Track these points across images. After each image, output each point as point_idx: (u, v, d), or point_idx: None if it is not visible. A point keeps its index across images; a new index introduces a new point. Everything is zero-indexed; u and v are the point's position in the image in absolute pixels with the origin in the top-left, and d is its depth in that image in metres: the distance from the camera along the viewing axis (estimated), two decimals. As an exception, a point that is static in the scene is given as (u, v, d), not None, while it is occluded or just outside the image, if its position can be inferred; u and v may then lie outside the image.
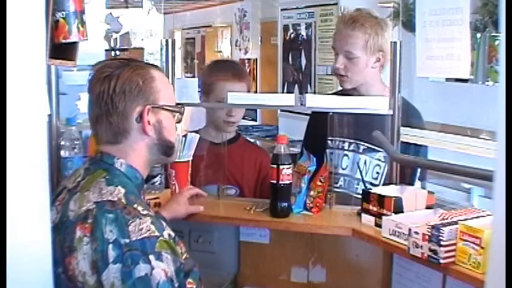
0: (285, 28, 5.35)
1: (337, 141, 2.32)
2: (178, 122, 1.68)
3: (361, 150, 2.27)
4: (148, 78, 1.58)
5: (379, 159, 2.23)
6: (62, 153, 2.11)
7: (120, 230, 1.40)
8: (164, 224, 1.49)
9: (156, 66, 1.68)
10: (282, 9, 5.37)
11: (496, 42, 3.01)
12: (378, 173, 2.23)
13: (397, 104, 1.99)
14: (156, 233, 1.42)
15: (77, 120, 2.19)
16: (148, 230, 1.41)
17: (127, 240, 1.39)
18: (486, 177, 1.50)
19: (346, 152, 2.30)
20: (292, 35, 5.27)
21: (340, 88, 2.43)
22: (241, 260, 2.17)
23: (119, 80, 1.55)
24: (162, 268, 1.40)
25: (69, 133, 2.12)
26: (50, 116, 2.03)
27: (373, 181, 2.23)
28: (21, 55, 1.04)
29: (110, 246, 1.39)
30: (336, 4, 4.59)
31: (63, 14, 1.74)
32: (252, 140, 3.81)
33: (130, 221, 1.41)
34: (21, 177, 1.04)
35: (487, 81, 3.10)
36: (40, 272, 1.11)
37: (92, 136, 2.20)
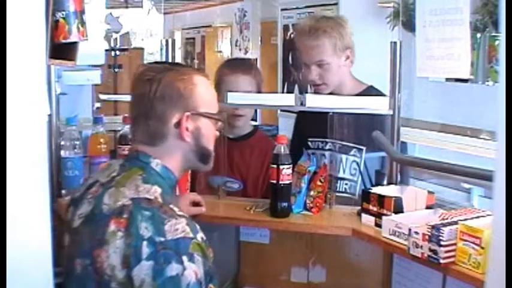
0: (285, 28, 5.34)
1: (315, 142, 2.35)
2: (219, 130, 1.69)
3: (337, 149, 2.30)
4: (190, 85, 1.58)
5: (354, 155, 2.26)
6: (62, 153, 2.11)
7: (156, 228, 1.40)
8: (198, 227, 1.48)
9: (201, 72, 1.68)
10: (282, 9, 5.36)
11: (496, 42, 3.01)
12: (355, 169, 2.26)
13: (397, 104, 1.99)
14: (191, 235, 1.42)
15: (77, 120, 2.19)
16: (184, 231, 1.41)
17: (162, 239, 1.39)
18: (486, 177, 1.50)
19: (324, 152, 2.33)
20: (292, 35, 5.26)
21: None
22: (241, 260, 2.17)
23: (160, 85, 1.55)
24: (193, 270, 1.39)
25: (69, 133, 2.12)
26: (50, 116, 2.04)
27: (351, 177, 2.26)
28: (21, 55, 1.04)
29: (145, 243, 1.39)
30: (336, 4, 4.59)
31: (63, 14, 1.75)
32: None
33: (166, 220, 1.42)
34: (21, 177, 1.04)
35: (487, 81, 3.10)
36: (40, 272, 1.11)
37: (92, 136, 2.21)
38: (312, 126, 2.31)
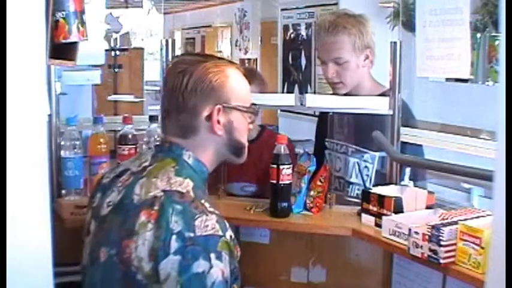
0: (285, 28, 5.35)
1: (332, 143, 2.32)
2: (252, 122, 1.66)
3: (350, 153, 2.26)
4: (222, 78, 1.56)
5: (366, 161, 2.22)
6: (62, 153, 2.11)
7: (186, 223, 1.39)
8: (227, 224, 1.47)
9: (233, 64, 1.66)
10: (282, 9, 5.37)
11: (496, 42, 3.01)
12: (367, 175, 2.21)
13: (397, 103, 1.99)
14: (220, 233, 1.41)
15: (77, 120, 2.19)
16: (213, 228, 1.40)
17: (191, 234, 1.38)
18: (486, 177, 1.51)
19: (338, 155, 2.30)
20: (292, 35, 5.27)
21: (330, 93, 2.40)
22: (241, 260, 2.16)
23: (192, 77, 1.53)
24: (220, 268, 1.39)
25: (69, 133, 2.12)
26: (50, 116, 2.03)
27: (362, 182, 2.22)
28: (21, 55, 1.04)
29: (174, 237, 1.38)
30: (336, 4, 4.59)
31: (63, 14, 1.74)
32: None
33: (197, 216, 1.40)
34: (21, 177, 1.04)
35: (487, 81, 3.10)
36: (40, 272, 1.11)
37: (92, 136, 2.21)
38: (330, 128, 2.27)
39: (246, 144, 1.65)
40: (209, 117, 1.54)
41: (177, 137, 1.57)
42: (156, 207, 1.42)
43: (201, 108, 1.54)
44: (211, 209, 1.45)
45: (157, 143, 1.66)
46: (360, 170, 2.19)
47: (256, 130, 2.53)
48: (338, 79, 2.25)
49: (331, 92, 2.37)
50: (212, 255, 1.38)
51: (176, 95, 1.54)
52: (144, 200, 1.45)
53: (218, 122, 1.55)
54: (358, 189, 2.22)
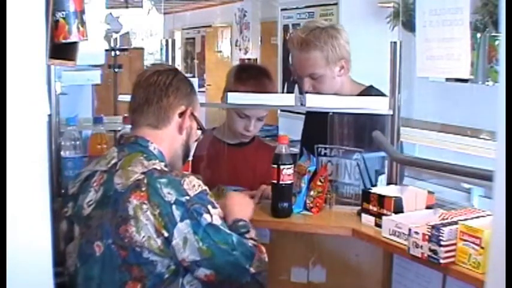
0: (285, 28, 5.35)
1: (320, 148, 2.32)
2: (196, 140, 1.82)
3: (340, 154, 2.26)
4: (194, 91, 1.79)
5: (356, 159, 2.21)
6: (62, 153, 2.11)
7: (177, 190, 1.54)
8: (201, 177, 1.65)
9: None
10: (282, 9, 5.37)
11: (496, 42, 3.01)
12: (358, 174, 2.21)
13: (397, 103, 1.99)
14: (204, 187, 1.60)
15: (77, 120, 2.19)
16: (199, 185, 1.59)
17: (187, 197, 1.54)
18: (486, 177, 1.50)
19: (329, 158, 2.30)
20: (292, 35, 5.27)
21: None
22: (241, 260, 2.16)
23: (176, 77, 1.73)
24: (217, 214, 1.60)
25: (69, 133, 2.12)
26: (50, 116, 2.03)
27: (355, 182, 2.22)
28: (21, 55, 1.04)
29: (174, 206, 1.51)
30: (336, 4, 4.59)
31: (63, 14, 1.74)
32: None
33: (182, 181, 1.56)
34: (21, 177, 1.04)
35: (487, 81, 3.10)
36: (40, 272, 1.11)
37: (92, 136, 2.21)
38: (319, 129, 2.27)
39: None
40: (181, 115, 1.71)
41: (149, 128, 1.69)
42: (143, 188, 1.53)
43: (178, 104, 1.71)
44: (186, 172, 1.67)
45: (120, 142, 1.75)
46: (350, 170, 2.19)
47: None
48: (315, 91, 2.25)
49: None
50: (209, 207, 1.58)
51: (160, 87, 1.69)
52: (128, 185, 1.54)
53: (185, 123, 1.71)
54: (353, 190, 2.23)
